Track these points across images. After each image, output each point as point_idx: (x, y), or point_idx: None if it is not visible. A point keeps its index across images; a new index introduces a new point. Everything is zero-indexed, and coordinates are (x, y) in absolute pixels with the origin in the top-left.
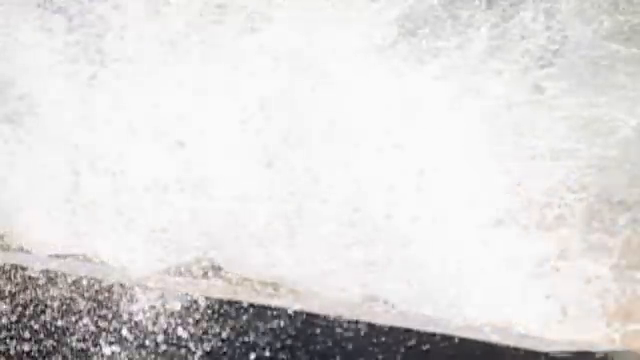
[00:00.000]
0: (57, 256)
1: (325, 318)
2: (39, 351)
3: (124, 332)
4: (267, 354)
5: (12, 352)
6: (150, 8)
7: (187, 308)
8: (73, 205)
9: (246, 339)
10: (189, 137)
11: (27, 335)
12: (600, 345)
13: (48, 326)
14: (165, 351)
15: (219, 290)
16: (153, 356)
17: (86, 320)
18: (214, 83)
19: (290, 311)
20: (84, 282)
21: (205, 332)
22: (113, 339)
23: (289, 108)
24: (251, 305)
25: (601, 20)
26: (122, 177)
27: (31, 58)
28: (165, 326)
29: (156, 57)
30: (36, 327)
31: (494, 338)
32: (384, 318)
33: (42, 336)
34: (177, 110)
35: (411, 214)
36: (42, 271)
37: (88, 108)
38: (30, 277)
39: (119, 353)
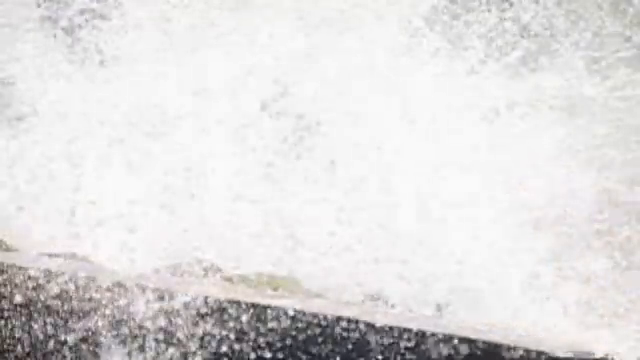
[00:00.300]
0: (56, 256)
1: (325, 318)
2: (38, 352)
3: (123, 332)
4: (266, 354)
5: (10, 353)
6: (151, 8)
7: (187, 308)
8: (73, 205)
9: (245, 339)
10: (189, 137)
11: (26, 335)
12: (600, 345)
13: (47, 327)
14: (164, 351)
15: (219, 290)
16: (152, 357)
17: (84, 320)
18: (214, 83)
19: (290, 311)
20: (83, 282)
21: (204, 332)
22: (112, 339)
23: (290, 108)
24: (251, 305)
25: (602, 20)
26: (122, 177)
27: (31, 58)
28: (164, 327)
29: (156, 57)
30: (35, 327)
31: (494, 338)
32: (384, 318)
33: (41, 337)
34: (177, 110)
35: (411, 214)
36: (41, 271)
37: (88, 108)
38: (30, 277)
39: (118, 354)
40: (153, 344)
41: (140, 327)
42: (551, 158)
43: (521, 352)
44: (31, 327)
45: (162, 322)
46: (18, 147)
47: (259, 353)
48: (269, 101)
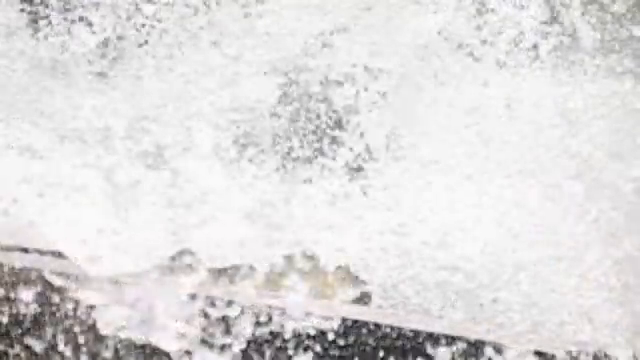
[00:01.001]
0: (38, 253)
1: (327, 319)
2: (33, 353)
3: (117, 332)
4: (266, 355)
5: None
6: (149, 9)
7: (185, 309)
8: (62, 204)
9: (245, 340)
10: (188, 138)
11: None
12: (601, 344)
13: (34, 325)
14: (160, 352)
15: (219, 290)
16: (147, 357)
17: (74, 319)
18: (214, 84)
19: (290, 311)
20: (70, 280)
21: (203, 333)
22: (104, 339)
23: (293, 109)
24: (251, 305)
25: (605, 22)
26: (122, 177)
27: (28, 59)
28: (161, 327)
29: (155, 57)
30: (19, 325)
31: (494, 338)
32: (384, 318)
33: (36, 336)
34: (177, 111)
35: (411, 215)
36: (24, 269)
37: (82, 111)
38: (14, 275)
39: (110, 353)
40: (148, 345)
41: (135, 327)
42: (551, 158)
43: (521, 352)
44: (16, 324)
45: (159, 322)
46: (16, 144)
47: (259, 354)
48: (271, 101)
